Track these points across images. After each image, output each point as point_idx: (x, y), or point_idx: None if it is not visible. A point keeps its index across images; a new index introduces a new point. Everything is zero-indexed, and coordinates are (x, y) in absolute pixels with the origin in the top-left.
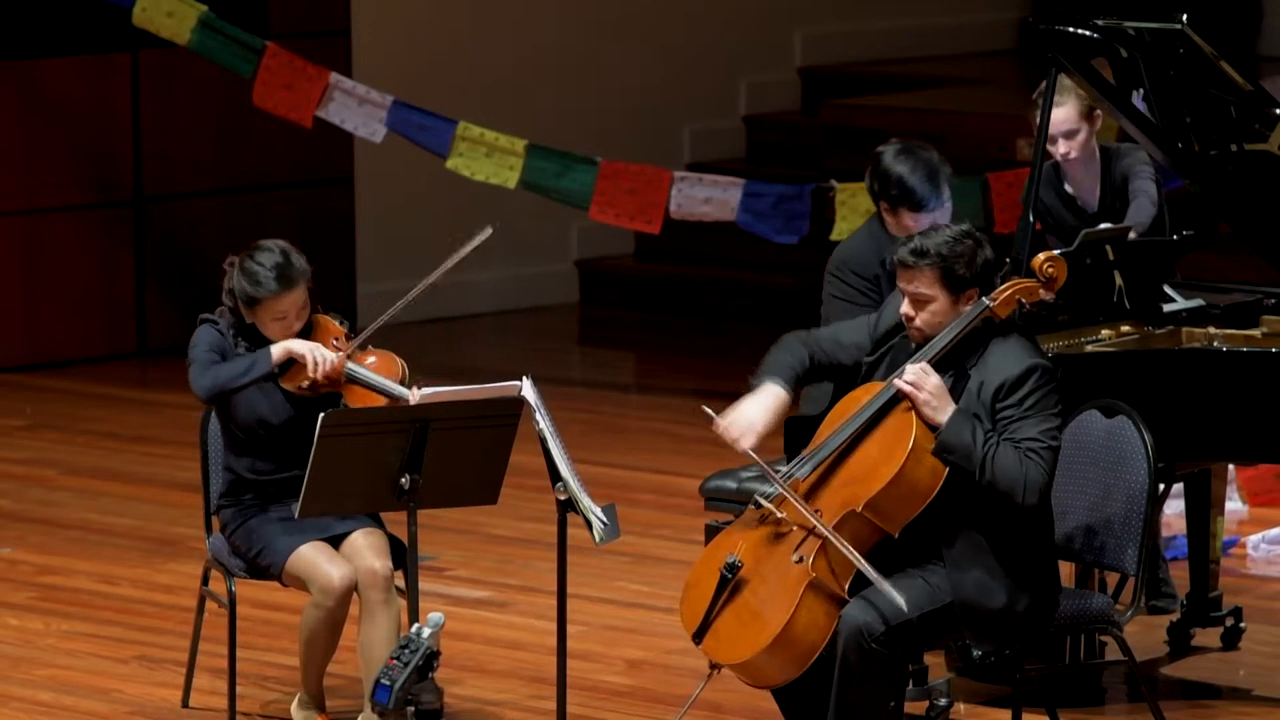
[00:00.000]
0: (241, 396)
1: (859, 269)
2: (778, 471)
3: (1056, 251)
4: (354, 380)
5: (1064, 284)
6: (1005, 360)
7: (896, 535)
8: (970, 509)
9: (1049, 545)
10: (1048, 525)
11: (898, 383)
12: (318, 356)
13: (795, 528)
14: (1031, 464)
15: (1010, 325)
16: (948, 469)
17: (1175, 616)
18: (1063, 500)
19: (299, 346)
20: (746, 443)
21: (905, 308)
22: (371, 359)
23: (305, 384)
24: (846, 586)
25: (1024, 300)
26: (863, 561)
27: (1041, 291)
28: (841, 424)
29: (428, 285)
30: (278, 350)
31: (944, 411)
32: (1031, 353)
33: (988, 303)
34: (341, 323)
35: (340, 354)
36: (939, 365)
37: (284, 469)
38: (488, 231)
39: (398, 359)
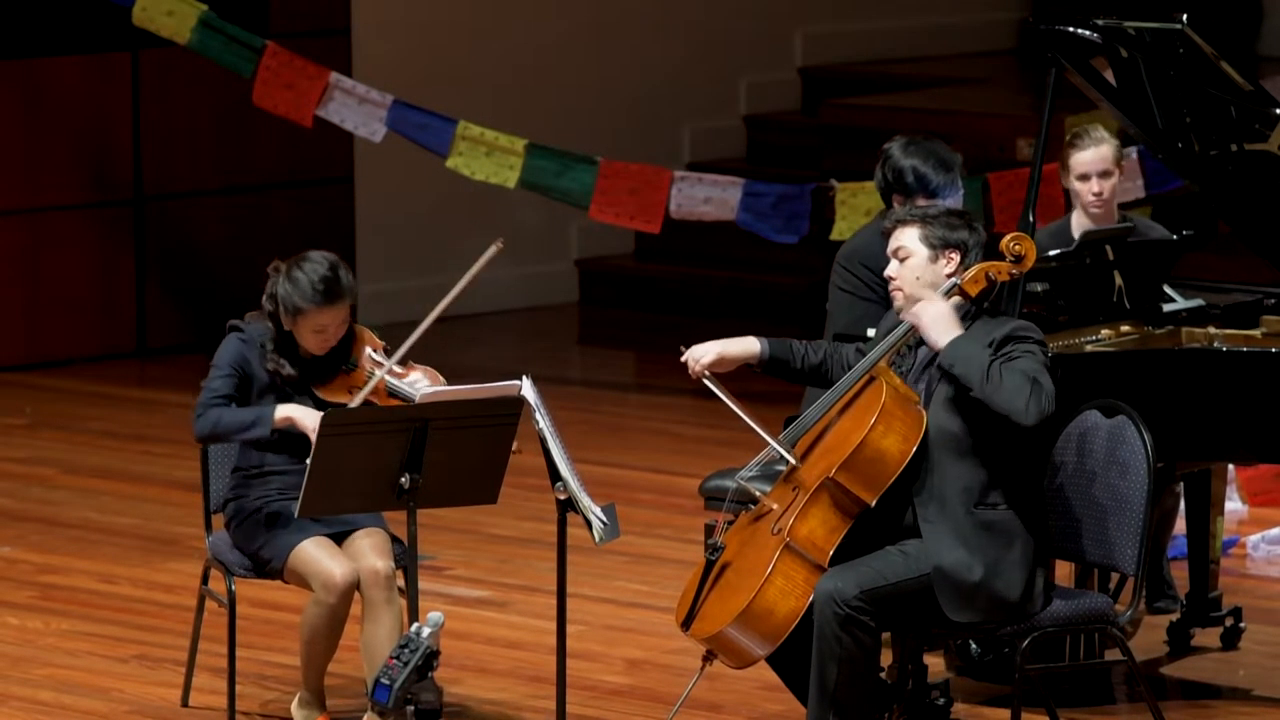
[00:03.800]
0: (264, 402)
1: (869, 262)
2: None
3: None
4: (395, 395)
5: (1034, 262)
6: (992, 327)
7: (873, 504)
8: (952, 479)
9: (1039, 525)
10: (1038, 504)
11: (906, 315)
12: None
13: (775, 506)
14: (1037, 381)
15: (997, 310)
16: (918, 439)
17: (1175, 616)
18: (1062, 500)
19: (305, 420)
20: (707, 359)
21: (889, 270)
22: (414, 375)
23: (346, 398)
24: (827, 558)
25: (994, 277)
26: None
27: (1011, 269)
28: (818, 404)
29: (453, 297)
30: (279, 416)
31: (950, 333)
32: (1018, 320)
33: (957, 280)
34: (380, 340)
35: (376, 376)
36: (918, 342)
37: (302, 459)
38: (498, 244)
39: (439, 375)
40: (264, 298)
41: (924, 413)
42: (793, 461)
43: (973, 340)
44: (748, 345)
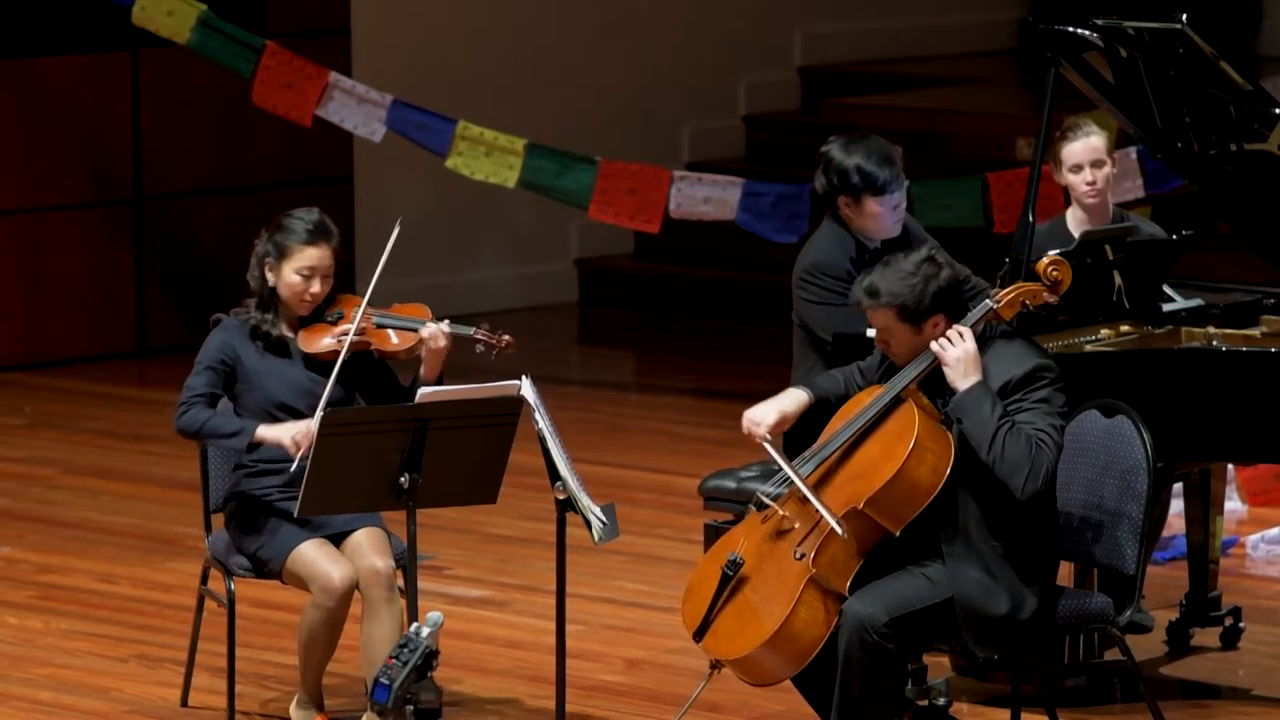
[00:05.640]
0: (253, 383)
1: (830, 270)
2: (780, 470)
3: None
4: (382, 326)
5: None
6: (1010, 360)
7: (898, 534)
8: (974, 509)
9: (1053, 552)
10: (1054, 532)
11: (933, 345)
12: (295, 435)
13: (797, 525)
14: (1040, 451)
15: (1011, 330)
16: (949, 468)
17: (1175, 616)
18: (1063, 500)
19: (274, 434)
20: (770, 421)
21: (877, 338)
22: (396, 306)
23: (331, 339)
24: (848, 584)
25: (1028, 303)
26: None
27: (1046, 295)
28: (844, 423)
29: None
30: (259, 434)
31: (968, 379)
32: (1038, 353)
33: (991, 304)
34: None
35: (351, 326)
36: (939, 373)
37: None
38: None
39: (425, 307)
40: (252, 264)
41: (952, 438)
42: (839, 532)
43: (985, 394)
44: (799, 398)
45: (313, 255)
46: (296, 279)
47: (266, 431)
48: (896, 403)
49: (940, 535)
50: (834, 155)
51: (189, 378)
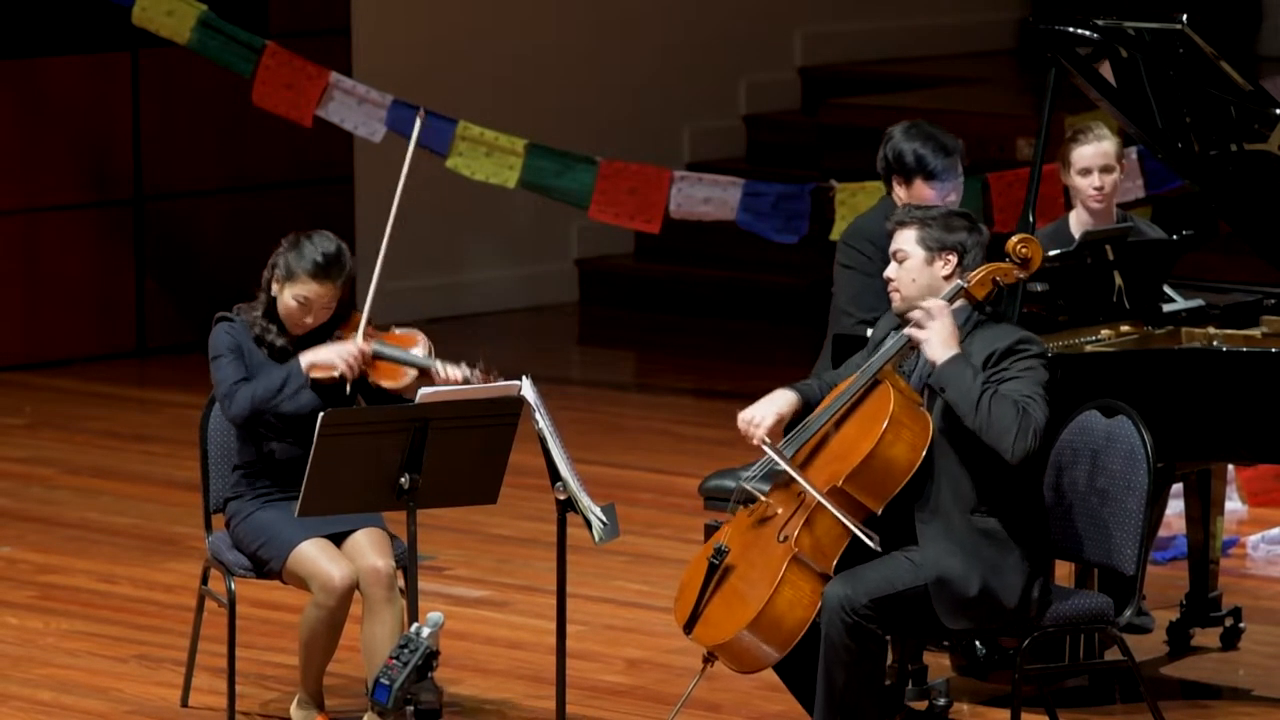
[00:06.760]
0: None
1: (872, 236)
2: (763, 463)
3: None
4: (380, 356)
5: (1040, 265)
6: (992, 337)
7: (880, 512)
8: (949, 488)
9: (1037, 538)
10: (1038, 517)
11: (910, 325)
12: (346, 358)
13: (780, 510)
14: (1026, 413)
15: (999, 316)
16: (926, 445)
17: (1175, 616)
18: (1062, 500)
19: (324, 356)
20: (769, 424)
21: (888, 271)
22: (395, 331)
23: (335, 373)
24: (832, 565)
25: (1000, 281)
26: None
27: (1017, 272)
28: (822, 409)
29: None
30: (305, 361)
31: (947, 350)
32: (1021, 330)
33: (962, 283)
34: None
35: (361, 335)
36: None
37: (303, 455)
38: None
39: (419, 334)
40: (266, 267)
41: (929, 417)
42: (860, 533)
43: (966, 364)
44: (791, 399)
45: (314, 289)
46: (293, 304)
47: (315, 355)
48: (873, 385)
49: (915, 510)
50: (895, 135)
51: (215, 373)
